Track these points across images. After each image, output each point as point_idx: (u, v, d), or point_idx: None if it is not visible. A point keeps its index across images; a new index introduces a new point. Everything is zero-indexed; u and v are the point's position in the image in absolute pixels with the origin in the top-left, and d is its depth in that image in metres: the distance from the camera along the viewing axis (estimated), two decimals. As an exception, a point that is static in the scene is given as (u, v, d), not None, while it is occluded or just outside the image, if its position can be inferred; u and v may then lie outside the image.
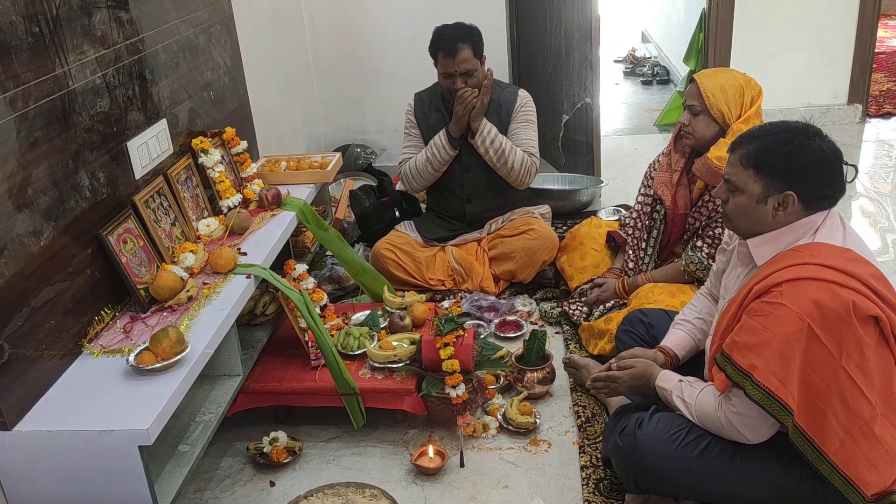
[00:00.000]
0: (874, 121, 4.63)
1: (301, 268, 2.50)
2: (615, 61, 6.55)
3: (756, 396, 1.64)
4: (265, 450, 2.22)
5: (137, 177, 2.22)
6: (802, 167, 1.70)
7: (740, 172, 1.76)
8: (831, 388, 1.64)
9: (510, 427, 2.27)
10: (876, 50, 4.66)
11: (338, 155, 3.07)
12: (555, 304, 2.88)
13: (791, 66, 4.48)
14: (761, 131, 1.78)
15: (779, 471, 1.75)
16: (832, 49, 4.47)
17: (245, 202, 2.63)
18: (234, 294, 2.12)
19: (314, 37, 4.14)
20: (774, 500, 1.79)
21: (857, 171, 1.81)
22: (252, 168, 2.74)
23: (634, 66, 6.29)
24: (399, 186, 3.59)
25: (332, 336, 2.42)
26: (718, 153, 2.35)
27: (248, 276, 2.20)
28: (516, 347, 2.54)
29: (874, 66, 4.70)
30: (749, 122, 2.34)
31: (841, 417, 1.66)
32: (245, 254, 2.32)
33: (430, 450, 2.17)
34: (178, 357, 1.80)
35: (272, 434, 2.25)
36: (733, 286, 1.88)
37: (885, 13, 6.20)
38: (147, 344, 1.84)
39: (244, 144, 2.72)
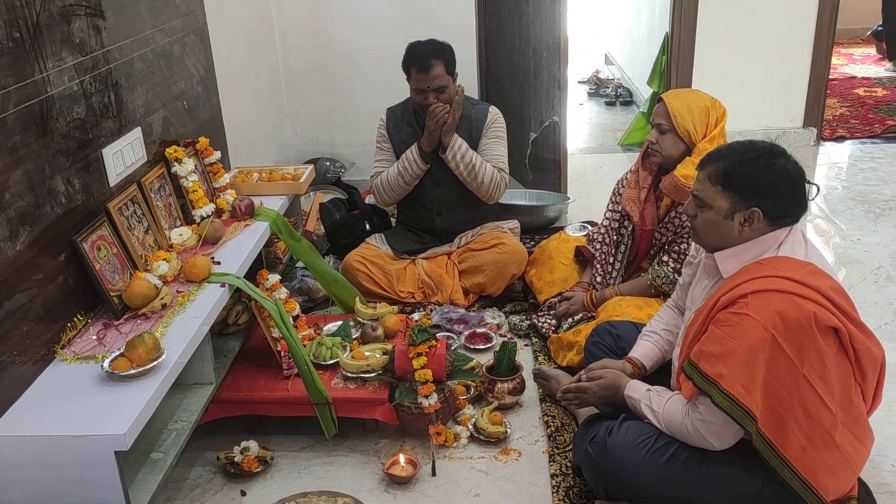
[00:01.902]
0: (828, 144, 4.80)
1: (274, 278, 2.51)
2: (579, 82, 6.68)
3: (723, 404, 1.70)
4: (236, 459, 2.21)
5: (112, 184, 2.21)
6: (768, 185, 1.77)
7: (709, 189, 1.83)
8: (793, 397, 1.71)
9: (481, 436, 2.30)
10: (829, 76, 4.84)
11: (310, 167, 3.09)
12: (524, 316, 2.92)
13: (750, 90, 4.62)
14: (729, 150, 1.86)
15: (743, 477, 1.80)
16: (789, 75, 4.63)
17: (218, 212, 2.63)
18: (208, 302, 2.12)
19: (284, 50, 4.16)
20: (738, 504, 1.85)
21: (818, 190, 1.89)
22: (225, 178, 2.74)
23: (598, 87, 6.42)
24: (370, 200, 3.62)
25: (305, 346, 2.42)
26: (685, 171, 2.43)
27: (223, 285, 2.20)
28: (486, 359, 2.57)
29: (828, 91, 4.87)
30: (714, 142, 2.43)
31: (802, 425, 1.72)
32: (219, 263, 2.32)
33: (402, 459, 2.19)
34: (154, 363, 1.80)
35: (243, 443, 2.25)
36: (700, 297, 1.95)
37: (837, 41, 6.44)
38: (122, 350, 1.83)
39: (217, 155, 2.73)
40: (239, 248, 2.44)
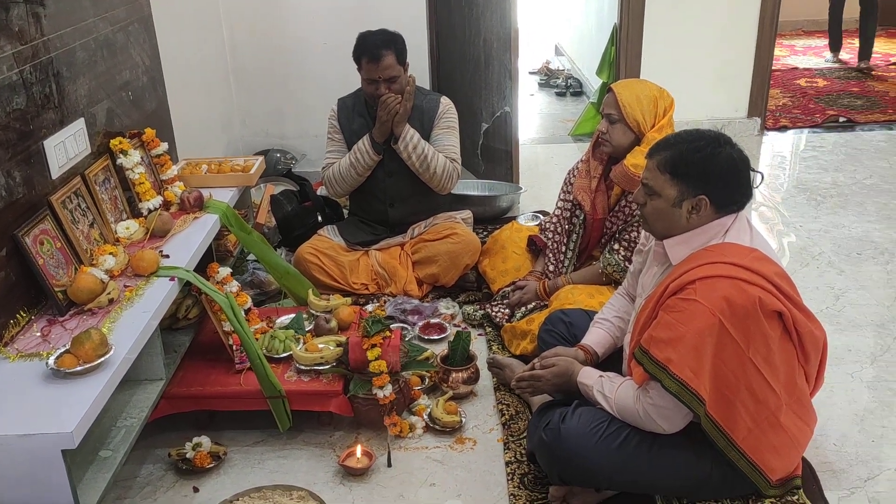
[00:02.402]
0: (771, 133, 4.92)
1: (225, 271, 2.48)
2: (530, 73, 6.71)
3: (672, 388, 1.74)
4: (188, 455, 2.18)
5: (54, 176, 2.14)
6: (714, 173, 1.81)
7: (657, 177, 1.86)
8: (740, 380, 1.76)
9: (436, 426, 2.31)
10: (773, 67, 4.96)
11: (260, 159, 3.04)
12: (477, 306, 2.94)
13: (696, 81, 4.71)
14: (677, 139, 1.89)
15: (692, 459, 1.85)
16: (733, 66, 4.73)
17: (166, 204, 2.58)
18: (157, 297, 2.08)
19: (232, 39, 4.09)
20: (688, 486, 1.89)
21: (762, 177, 1.94)
22: (172, 170, 2.69)
23: (549, 78, 6.47)
24: (322, 191, 3.59)
25: (258, 339, 2.40)
26: (634, 160, 2.46)
27: (172, 279, 2.16)
28: (440, 349, 2.58)
29: (771, 82, 4.99)
30: (662, 131, 2.47)
31: (749, 407, 1.77)
32: (167, 256, 2.28)
33: (358, 450, 2.18)
34: (101, 360, 1.76)
35: (195, 439, 2.22)
36: (650, 285, 1.98)
37: (780, 32, 6.59)
38: (67, 347, 1.78)
39: (164, 146, 2.67)
40: (188, 241, 2.40)
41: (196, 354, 2.41)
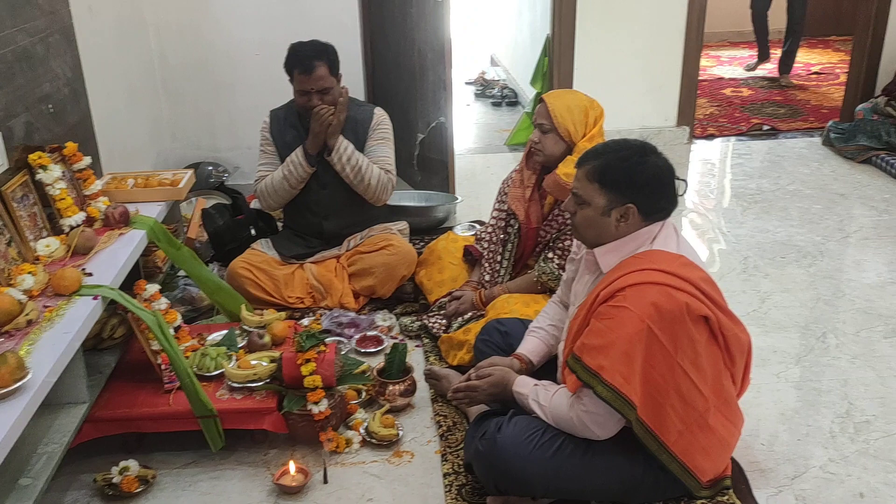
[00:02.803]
0: (699, 142, 5.05)
1: (153, 288, 2.41)
2: (466, 83, 6.75)
3: (605, 395, 1.76)
4: (114, 480, 2.11)
5: (-33, 194, 2.06)
6: (641, 182, 1.85)
7: (586, 186, 1.88)
8: (669, 384, 1.79)
9: (373, 440, 2.29)
10: (700, 77, 5.10)
11: (190, 172, 2.97)
12: (414, 317, 2.93)
13: (627, 91, 4.81)
14: (604, 148, 1.92)
15: (625, 463, 1.87)
16: (662, 76, 4.85)
17: (89, 221, 2.50)
18: (79, 317, 2.00)
19: (161, 50, 4.00)
20: (622, 491, 1.92)
21: (687, 185, 1.98)
22: (96, 185, 2.60)
23: (485, 88, 6.51)
24: (255, 204, 3.53)
25: (188, 357, 2.34)
26: (566, 169, 2.49)
27: (96, 298, 2.09)
28: (377, 362, 2.56)
29: (699, 92, 5.13)
30: (593, 141, 2.50)
31: (678, 410, 1.81)
32: (90, 274, 2.20)
33: (292, 468, 2.14)
34: (18, 384, 1.68)
35: (122, 463, 2.14)
36: (582, 292, 2.01)
37: (706, 43, 6.77)
38: (-18, 372, 1.70)
39: (87, 160, 2.58)
40: (113, 258, 2.32)
41: (123, 375, 2.34)
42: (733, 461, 2.06)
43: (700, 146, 5.00)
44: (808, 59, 7.16)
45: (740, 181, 4.36)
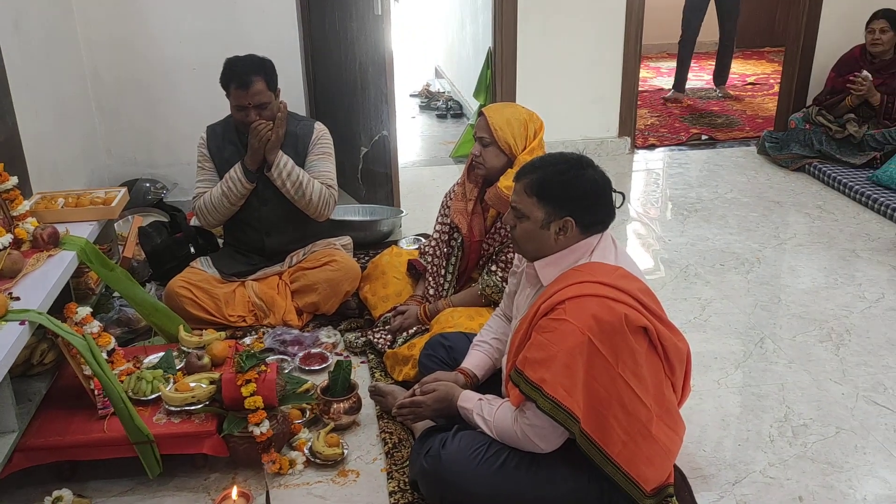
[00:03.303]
0: (641, 152, 5.14)
1: (84, 311, 2.32)
2: (411, 95, 6.76)
3: (546, 408, 1.75)
4: (47, 512, 2.03)
5: None
6: (578, 195, 1.86)
7: (525, 200, 1.89)
8: (611, 395, 1.79)
9: (317, 460, 2.24)
10: (640, 88, 5.19)
11: (123, 190, 2.90)
12: (359, 333, 2.90)
13: (569, 102, 4.87)
14: (542, 162, 1.93)
15: (569, 475, 1.87)
16: (603, 87, 4.93)
17: (17, 242, 2.41)
18: (5, 343, 1.92)
19: (92, 65, 3.89)
20: (568, 502, 1.91)
21: (624, 198, 2.00)
22: (24, 206, 2.51)
23: (429, 101, 6.53)
24: (194, 221, 3.46)
25: (122, 382, 2.26)
26: (507, 182, 2.50)
27: (23, 323, 2.01)
28: (321, 380, 2.52)
29: (639, 102, 5.23)
30: (533, 153, 2.52)
31: (621, 421, 1.81)
32: (18, 298, 2.12)
33: (234, 492, 2.08)
34: (-63, 417, 1.61)
35: (55, 493, 2.06)
36: (524, 306, 2.01)
37: (645, 55, 6.91)
38: None
39: (14, 180, 2.49)
40: (42, 281, 2.24)
41: (54, 402, 2.25)
42: (676, 468, 2.08)
43: (641, 156, 5.08)
44: (743, 70, 7.37)
45: (680, 190, 4.44)
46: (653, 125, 5.70)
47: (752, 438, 2.32)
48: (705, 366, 2.67)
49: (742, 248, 3.64)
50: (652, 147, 5.24)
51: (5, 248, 2.32)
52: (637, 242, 3.76)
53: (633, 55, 4.86)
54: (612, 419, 1.81)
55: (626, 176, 4.71)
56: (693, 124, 5.70)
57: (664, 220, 4.04)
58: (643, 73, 5.96)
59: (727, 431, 2.35)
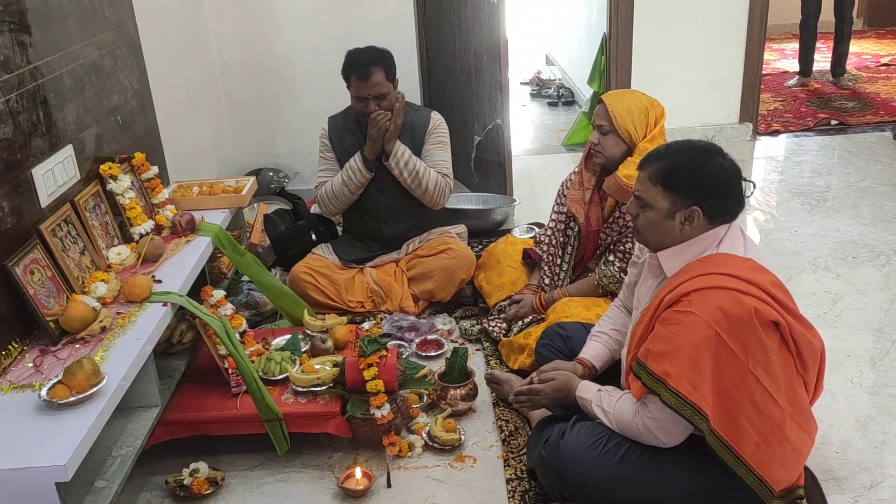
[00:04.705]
0: (764, 138, 4.92)
1: (219, 294, 2.46)
2: (522, 83, 6.72)
3: (671, 402, 1.72)
4: (185, 482, 2.16)
5: (43, 205, 2.13)
6: (706, 184, 1.80)
7: (649, 189, 1.85)
8: (741, 392, 1.74)
9: (435, 445, 2.29)
10: (763, 72, 4.96)
11: (252, 179, 3.04)
12: (474, 321, 2.92)
13: (687, 88, 4.72)
14: (668, 150, 1.88)
15: (692, 471, 1.83)
16: (723, 71, 4.74)
17: (157, 229, 2.57)
18: (150, 323, 2.06)
19: (223, 60, 4.09)
20: (688, 499, 1.87)
21: (755, 187, 1.93)
22: (163, 194, 2.68)
23: (540, 88, 6.47)
24: (315, 209, 3.58)
25: (253, 362, 2.38)
26: (627, 171, 2.46)
27: (165, 304, 2.15)
28: (438, 366, 2.56)
29: (762, 86, 5.00)
30: (654, 142, 2.46)
31: (753, 421, 1.75)
32: (160, 281, 2.26)
33: (357, 472, 2.16)
34: (94, 390, 1.74)
35: (192, 465, 2.19)
36: (645, 297, 1.97)
37: (770, 37, 6.57)
38: (60, 377, 1.77)
39: (155, 170, 2.66)
40: (181, 265, 2.39)
41: (192, 379, 2.40)
42: (806, 470, 1.99)
43: (764, 143, 4.87)
44: (876, 50, 6.92)
45: (808, 178, 4.23)
46: (776, 110, 5.44)
47: (890, 441, 2.20)
48: (837, 363, 2.54)
49: (877, 239, 3.43)
50: (776, 133, 5.01)
51: (148, 233, 2.48)
52: (760, 233, 3.61)
53: (757, 36, 4.65)
54: (744, 418, 1.74)
55: (748, 163, 4.52)
56: (821, 108, 5.40)
57: (789, 209, 3.85)
58: (767, 56, 5.66)
59: (861, 433, 2.24)
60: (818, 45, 6.07)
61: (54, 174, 2.19)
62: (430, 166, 2.98)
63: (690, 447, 1.81)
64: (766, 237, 3.57)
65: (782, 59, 6.92)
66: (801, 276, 3.15)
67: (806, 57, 5.99)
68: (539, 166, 4.77)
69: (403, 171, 2.94)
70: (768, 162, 4.61)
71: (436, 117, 3.08)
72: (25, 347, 1.97)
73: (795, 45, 6.31)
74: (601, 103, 2.54)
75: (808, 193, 4.02)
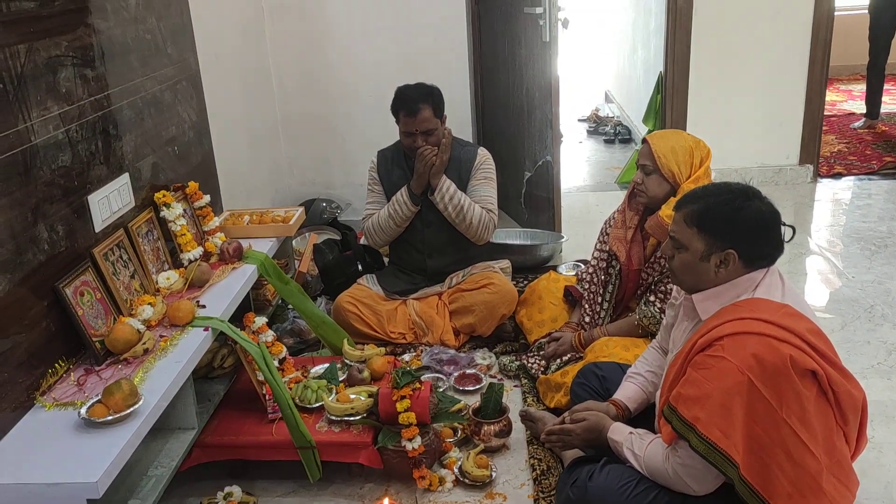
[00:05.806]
0: (825, 181, 4.79)
1: (260, 321, 2.52)
2: (579, 120, 6.72)
3: (700, 448, 1.68)
4: (219, 505, 2.20)
5: (97, 230, 2.23)
6: (742, 227, 1.78)
7: (684, 230, 1.83)
8: (775, 442, 1.68)
9: (466, 480, 2.28)
10: (827, 113, 4.85)
11: (300, 209, 3.11)
12: (514, 357, 2.91)
13: (745, 128, 4.65)
14: (704, 192, 1.86)
15: (723, 521, 1.77)
16: (783, 112, 4.65)
17: (206, 255, 2.65)
18: (190, 347, 2.12)
19: (282, 95, 4.23)
20: (719, 550, 1.81)
21: (794, 232, 1.89)
22: (214, 221, 2.77)
23: (598, 125, 6.46)
24: (363, 241, 3.64)
25: (290, 389, 2.42)
26: (669, 211, 2.43)
27: (206, 329, 2.21)
28: (474, 400, 2.56)
29: (825, 128, 4.88)
30: (698, 182, 2.43)
31: (787, 471, 1.69)
32: (204, 306, 2.33)
33: (386, 503, 2.16)
34: (131, 409, 1.80)
35: (226, 489, 2.23)
36: (680, 339, 1.94)
37: (834, 77, 6.44)
38: (100, 397, 1.83)
39: (207, 198, 2.75)
40: (225, 291, 2.45)
41: (231, 403, 2.45)
42: (847, 526, 1.91)
43: (825, 185, 4.74)
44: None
45: (869, 223, 4.09)
46: (840, 152, 5.30)
47: (941, 501, 2.09)
48: (888, 416, 2.43)
49: (939, 289, 3.30)
50: (838, 176, 4.87)
51: (196, 259, 2.56)
52: (816, 278, 3.51)
53: (819, 77, 4.56)
54: (776, 468, 1.69)
55: (807, 206, 4.40)
56: (887, 152, 5.24)
57: (848, 254, 3.73)
58: (831, 96, 5.54)
59: (911, 490, 2.14)
60: (886, 86, 5.92)
61: (109, 201, 2.29)
62: (475, 201, 3.01)
63: (721, 497, 1.76)
64: (824, 283, 3.46)
65: (850, 100, 6.75)
66: (856, 323, 3.04)
67: (873, 99, 5.85)
68: (592, 203, 4.75)
69: (448, 206, 2.97)
70: (831, 204, 4.48)
71: (482, 153, 3.11)
72: (72, 366, 2.05)
73: (863, 87, 6.16)
74: (645, 143, 2.54)
75: (869, 238, 3.89)
